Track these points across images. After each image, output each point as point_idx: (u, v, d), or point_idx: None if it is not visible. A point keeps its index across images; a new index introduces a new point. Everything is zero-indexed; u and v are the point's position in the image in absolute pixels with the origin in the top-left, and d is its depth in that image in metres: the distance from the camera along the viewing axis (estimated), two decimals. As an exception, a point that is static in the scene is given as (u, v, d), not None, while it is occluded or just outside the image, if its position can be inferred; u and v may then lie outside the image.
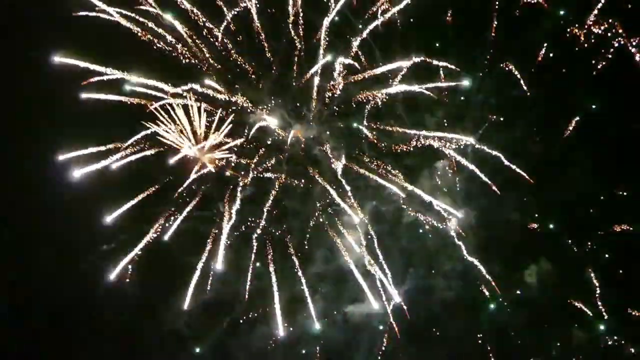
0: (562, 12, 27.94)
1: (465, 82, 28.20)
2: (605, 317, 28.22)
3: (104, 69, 26.39)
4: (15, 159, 28.35)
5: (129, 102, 26.60)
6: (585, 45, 27.55)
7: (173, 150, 26.78)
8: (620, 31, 26.67)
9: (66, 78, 26.42)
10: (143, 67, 26.54)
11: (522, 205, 29.23)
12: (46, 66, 26.43)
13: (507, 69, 28.18)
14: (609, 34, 26.85)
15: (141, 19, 26.80)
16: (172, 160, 26.36)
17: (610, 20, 26.72)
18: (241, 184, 27.40)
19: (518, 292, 29.55)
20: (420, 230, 29.42)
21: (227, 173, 27.56)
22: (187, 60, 27.15)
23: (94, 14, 26.39)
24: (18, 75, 28.21)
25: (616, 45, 26.95)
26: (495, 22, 28.00)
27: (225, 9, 27.10)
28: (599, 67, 27.54)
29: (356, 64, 27.12)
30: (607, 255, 28.77)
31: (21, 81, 28.11)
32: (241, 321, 29.11)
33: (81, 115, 26.97)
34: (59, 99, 27.38)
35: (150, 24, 26.90)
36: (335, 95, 28.16)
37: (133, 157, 26.74)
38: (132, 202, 26.79)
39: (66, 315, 29.34)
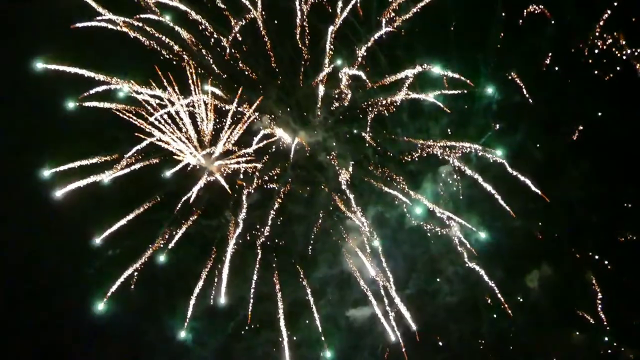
0: (565, 23, 28.00)
1: (489, 90, 28.35)
2: (606, 322, 28.39)
3: (106, 77, 26.36)
4: (15, 166, 28.15)
5: (133, 111, 26.53)
6: (588, 56, 27.72)
7: (174, 160, 26.82)
8: (623, 42, 26.81)
9: (66, 85, 26.52)
10: (148, 75, 26.30)
11: (525, 211, 29.20)
12: (45, 73, 26.45)
13: (509, 77, 28.33)
14: (614, 49, 27.01)
15: (146, 28, 26.82)
16: (176, 168, 26.48)
17: (614, 34, 26.88)
18: (246, 191, 27.47)
19: (520, 297, 29.63)
20: (423, 237, 29.54)
21: (237, 185, 27.48)
22: (193, 70, 27.09)
23: (95, 23, 26.40)
24: (18, 82, 28.03)
25: (619, 55, 27.14)
26: (499, 31, 28.17)
27: (232, 18, 27.11)
28: (602, 76, 27.73)
29: (362, 74, 27.19)
30: (608, 265, 28.86)
31: (22, 89, 28.02)
32: (243, 332, 29.22)
33: (81, 123, 26.97)
34: (58, 107, 27.16)
35: (157, 34, 26.94)
36: (341, 104, 28.30)
37: (137, 166, 26.83)
38: (138, 212, 26.91)
39: (66, 318, 29.33)
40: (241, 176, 27.65)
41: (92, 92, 26.27)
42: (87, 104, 26.44)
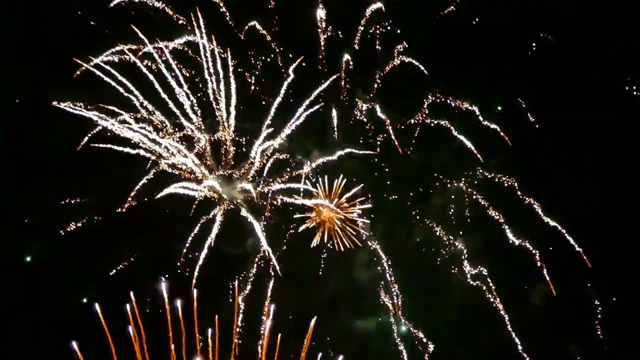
0: (574, 51, 28.63)
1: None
2: (601, 337, 29.35)
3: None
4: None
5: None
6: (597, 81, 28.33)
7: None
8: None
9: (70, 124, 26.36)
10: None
11: (530, 228, 29.78)
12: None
13: (518, 103, 29.00)
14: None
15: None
16: (195, 193, 26.58)
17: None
18: (263, 217, 27.88)
19: (523, 311, 30.26)
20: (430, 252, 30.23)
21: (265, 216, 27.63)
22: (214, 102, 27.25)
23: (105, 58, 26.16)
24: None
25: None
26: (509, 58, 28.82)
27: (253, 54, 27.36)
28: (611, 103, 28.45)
29: (377, 106, 27.59)
30: (609, 277, 29.64)
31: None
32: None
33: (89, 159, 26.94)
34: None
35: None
36: (356, 130, 28.91)
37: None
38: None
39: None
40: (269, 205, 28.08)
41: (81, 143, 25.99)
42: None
